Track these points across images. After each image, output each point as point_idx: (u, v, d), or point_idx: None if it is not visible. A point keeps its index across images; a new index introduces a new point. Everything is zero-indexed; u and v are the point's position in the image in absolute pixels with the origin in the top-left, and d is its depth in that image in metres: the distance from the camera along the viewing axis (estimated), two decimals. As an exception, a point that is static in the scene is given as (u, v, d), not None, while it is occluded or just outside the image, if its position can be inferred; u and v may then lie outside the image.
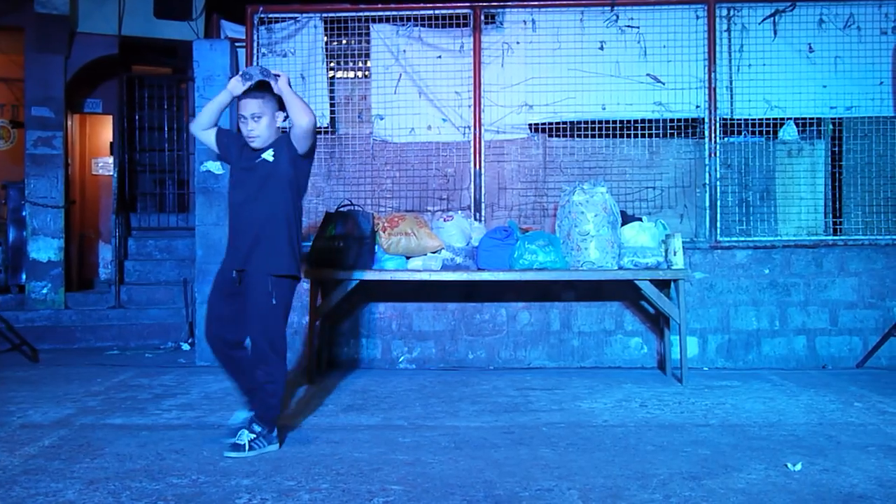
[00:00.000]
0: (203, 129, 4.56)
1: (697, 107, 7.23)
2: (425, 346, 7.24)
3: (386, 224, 6.58)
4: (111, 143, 10.75)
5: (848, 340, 7.17)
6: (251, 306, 4.37)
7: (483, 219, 7.22)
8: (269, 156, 4.41)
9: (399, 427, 4.97)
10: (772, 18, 7.28)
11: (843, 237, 7.22)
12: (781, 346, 7.16)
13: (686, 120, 7.31)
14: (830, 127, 7.39)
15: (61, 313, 9.20)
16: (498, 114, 7.36)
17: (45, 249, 9.40)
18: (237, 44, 7.68)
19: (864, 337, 7.17)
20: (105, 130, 11.19)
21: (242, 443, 4.27)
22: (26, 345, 7.73)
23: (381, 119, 7.46)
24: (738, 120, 7.34)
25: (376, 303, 7.22)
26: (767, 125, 7.33)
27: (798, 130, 7.41)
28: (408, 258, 6.57)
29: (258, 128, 4.35)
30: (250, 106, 4.35)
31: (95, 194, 11.41)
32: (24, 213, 9.56)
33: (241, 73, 4.44)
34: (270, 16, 7.50)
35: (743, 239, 7.21)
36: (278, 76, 4.39)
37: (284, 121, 4.51)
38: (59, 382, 6.53)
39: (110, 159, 10.80)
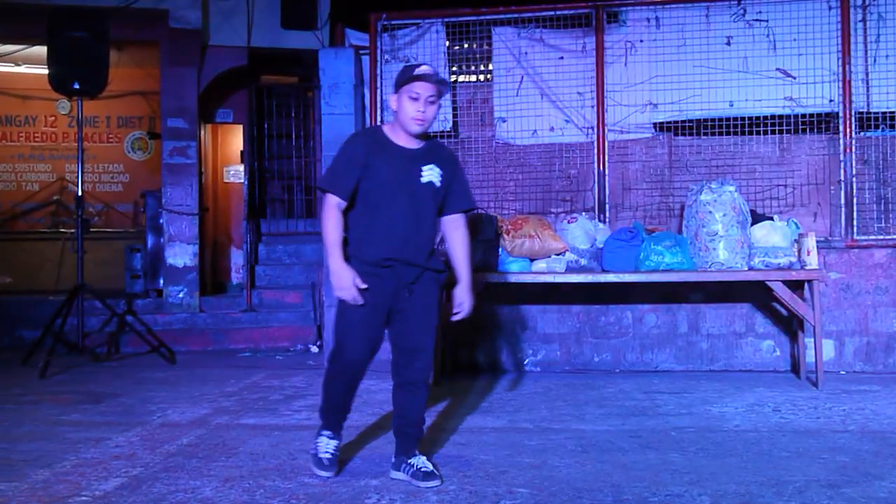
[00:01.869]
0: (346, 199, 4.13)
1: (831, 101, 6.97)
2: (550, 349, 7.20)
3: (509, 226, 6.58)
4: (241, 152, 11.09)
5: None
6: (426, 318, 4.04)
7: (607, 220, 7.14)
8: (435, 178, 3.98)
9: (525, 430, 4.96)
10: (911, 7, 6.97)
11: None
12: (925, 350, 6.83)
13: (819, 115, 7.06)
14: (977, 118, 7.02)
15: (196, 317, 9.55)
16: (621, 113, 7.27)
17: (181, 255, 9.77)
18: (361, 51, 7.82)
19: None
20: (235, 139, 11.56)
21: (430, 469, 3.91)
22: (164, 347, 8.04)
23: (504, 122, 7.48)
24: (874, 113, 7.03)
25: (500, 305, 7.22)
26: (907, 118, 7.01)
27: (942, 122, 7.07)
28: (532, 260, 6.55)
29: (430, 111, 3.88)
30: (429, 88, 3.83)
31: (227, 201, 11.80)
32: (161, 221, 9.96)
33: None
34: (393, 23, 7.61)
35: (882, 237, 6.91)
36: None
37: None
38: (195, 383, 6.78)
39: (241, 167, 11.15)
